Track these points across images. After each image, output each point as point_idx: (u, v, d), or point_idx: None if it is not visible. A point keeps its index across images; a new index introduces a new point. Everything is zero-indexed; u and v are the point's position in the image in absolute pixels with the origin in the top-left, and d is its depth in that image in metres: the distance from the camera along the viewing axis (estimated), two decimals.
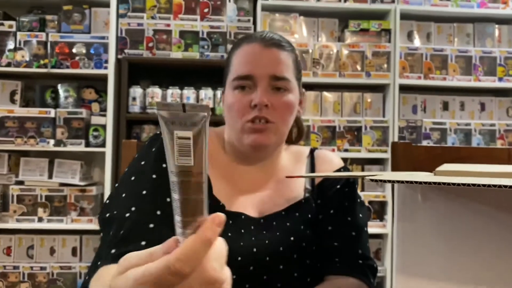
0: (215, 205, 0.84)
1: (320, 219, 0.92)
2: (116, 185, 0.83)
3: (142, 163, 0.83)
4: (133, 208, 0.76)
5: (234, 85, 0.87)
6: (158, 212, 0.77)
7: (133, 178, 0.81)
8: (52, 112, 2.39)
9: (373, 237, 2.57)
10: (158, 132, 0.90)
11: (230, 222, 0.83)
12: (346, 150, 2.50)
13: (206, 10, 2.53)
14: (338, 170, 0.97)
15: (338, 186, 0.94)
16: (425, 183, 0.44)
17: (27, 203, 2.39)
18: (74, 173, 2.42)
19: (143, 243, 0.72)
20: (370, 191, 2.54)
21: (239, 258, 0.80)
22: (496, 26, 2.69)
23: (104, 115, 2.44)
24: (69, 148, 2.39)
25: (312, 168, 0.98)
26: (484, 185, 0.42)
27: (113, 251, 0.71)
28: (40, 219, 2.38)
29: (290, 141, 1.02)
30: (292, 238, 0.86)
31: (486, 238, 0.48)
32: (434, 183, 0.44)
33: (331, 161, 0.99)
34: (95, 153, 2.49)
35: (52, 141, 2.37)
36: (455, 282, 0.49)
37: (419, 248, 0.52)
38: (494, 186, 0.42)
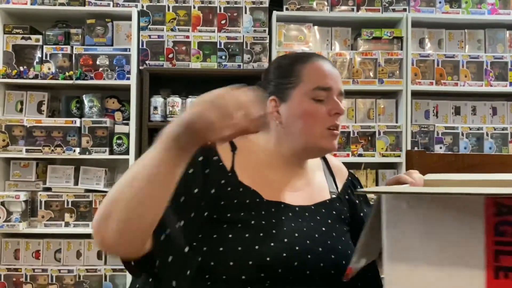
0: (255, 195, 0.93)
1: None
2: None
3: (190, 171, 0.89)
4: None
5: (313, 95, 0.96)
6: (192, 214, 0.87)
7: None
8: (77, 122, 2.50)
9: None
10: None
11: (273, 210, 0.93)
12: (360, 155, 2.57)
13: (223, 22, 2.63)
14: (347, 178, 1.10)
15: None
16: (409, 193, 0.55)
17: (55, 208, 2.50)
18: (99, 179, 2.52)
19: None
20: None
21: (286, 240, 0.90)
22: (507, 31, 2.74)
23: (127, 124, 2.54)
24: (94, 155, 2.49)
25: (331, 174, 1.09)
26: (449, 194, 0.52)
27: None
28: (67, 224, 2.48)
29: None
30: (323, 229, 0.96)
31: (461, 240, 0.56)
32: (416, 193, 0.55)
33: (342, 169, 1.13)
34: (118, 160, 2.60)
35: (77, 149, 2.48)
36: None
37: (405, 250, 0.60)
38: (455, 194, 0.52)
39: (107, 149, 2.50)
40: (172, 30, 2.61)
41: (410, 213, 0.59)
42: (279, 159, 1.00)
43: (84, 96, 2.58)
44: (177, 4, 2.63)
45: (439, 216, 0.57)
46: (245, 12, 2.63)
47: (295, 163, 1.01)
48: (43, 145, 2.48)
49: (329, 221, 0.98)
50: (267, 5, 2.64)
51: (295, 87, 0.97)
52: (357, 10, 2.65)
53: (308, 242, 0.91)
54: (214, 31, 2.61)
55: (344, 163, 1.15)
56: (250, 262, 0.85)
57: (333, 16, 2.65)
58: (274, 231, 0.89)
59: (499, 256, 0.52)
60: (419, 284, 0.58)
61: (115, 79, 2.53)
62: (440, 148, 2.62)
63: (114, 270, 2.50)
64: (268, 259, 0.86)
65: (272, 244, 0.87)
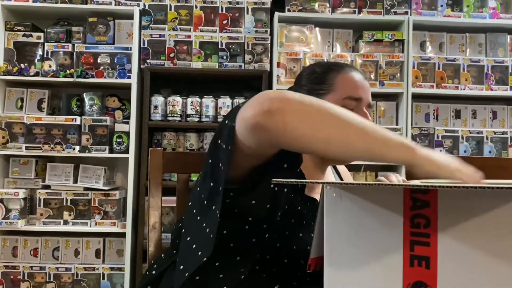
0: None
1: None
2: None
3: None
4: None
5: (343, 103, 0.96)
6: None
7: None
8: (77, 120, 2.50)
9: None
10: None
11: (308, 204, 0.95)
12: None
13: (225, 22, 2.63)
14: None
15: None
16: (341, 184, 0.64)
17: (53, 206, 2.50)
18: (98, 178, 2.52)
19: None
20: None
21: (312, 235, 0.91)
22: (508, 36, 2.74)
23: (127, 123, 2.54)
24: (94, 154, 2.49)
25: (339, 176, 1.15)
26: (370, 185, 0.59)
27: None
28: (66, 222, 2.48)
29: None
30: None
31: (384, 231, 0.61)
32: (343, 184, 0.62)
33: (347, 172, 1.19)
34: (117, 159, 2.60)
35: (77, 148, 2.48)
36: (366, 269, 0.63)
37: (340, 238, 0.66)
38: (374, 185, 0.58)
39: (107, 147, 2.49)
40: (173, 29, 2.61)
41: (341, 204, 0.65)
42: (310, 160, 1.02)
43: (84, 94, 2.58)
44: (179, 4, 2.63)
45: (365, 208, 0.63)
46: (247, 13, 2.63)
47: (323, 164, 1.04)
48: (43, 143, 2.47)
49: None
50: (269, 6, 2.65)
51: (327, 94, 0.99)
52: (359, 12, 2.66)
53: None
54: (215, 31, 2.61)
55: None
56: (295, 247, 0.88)
57: (335, 18, 2.66)
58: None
59: (414, 246, 0.57)
60: (348, 272, 0.64)
61: (116, 77, 2.53)
62: (440, 151, 2.61)
63: (112, 269, 2.49)
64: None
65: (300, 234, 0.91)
